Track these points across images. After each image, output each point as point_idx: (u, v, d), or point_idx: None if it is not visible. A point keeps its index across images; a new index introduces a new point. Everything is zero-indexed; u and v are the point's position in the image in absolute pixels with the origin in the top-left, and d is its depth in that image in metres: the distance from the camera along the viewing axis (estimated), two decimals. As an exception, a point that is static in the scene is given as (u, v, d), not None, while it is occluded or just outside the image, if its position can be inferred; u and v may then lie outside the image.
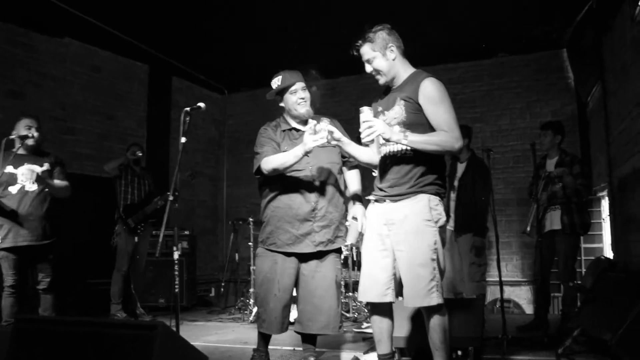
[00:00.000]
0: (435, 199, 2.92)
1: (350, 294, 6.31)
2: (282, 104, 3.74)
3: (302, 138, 3.34)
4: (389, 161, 3.04)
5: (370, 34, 3.09)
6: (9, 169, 4.48)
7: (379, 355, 3.18)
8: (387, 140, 2.93)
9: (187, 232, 7.40)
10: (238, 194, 9.18)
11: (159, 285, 6.91)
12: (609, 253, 6.67)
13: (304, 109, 3.65)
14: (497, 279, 4.59)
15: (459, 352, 3.75)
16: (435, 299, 2.84)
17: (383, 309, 3.10)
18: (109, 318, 5.64)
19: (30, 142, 4.53)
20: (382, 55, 3.08)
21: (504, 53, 8.09)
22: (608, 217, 6.74)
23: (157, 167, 7.51)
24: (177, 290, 3.26)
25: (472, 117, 8.27)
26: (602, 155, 6.75)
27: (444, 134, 2.83)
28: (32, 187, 4.49)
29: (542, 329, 4.51)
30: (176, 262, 3.27)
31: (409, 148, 2.90)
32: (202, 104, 3.62)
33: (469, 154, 5.76)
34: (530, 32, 7.25)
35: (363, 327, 5.39)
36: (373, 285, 3.01)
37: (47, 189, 4.54)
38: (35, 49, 6.70)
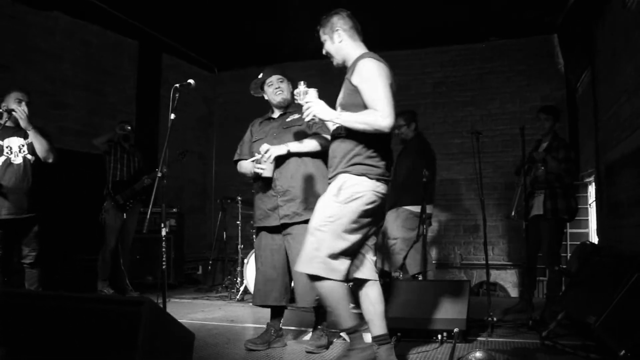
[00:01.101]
0: (353, 179, 2.90)
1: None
2: (266, 97, 4.06)
3: (272, 124, 3.95)
4: (332, 143, 3.11)
5: (322, 19, 3.20)
6: (4, 141, 4.47)
7: (373, 337, 3.10)
8: (323, 120, 3.08)
9: (175, 210, 7.38)
10: (227, 172, 9.14)
11: (146, 262, 6.91)
12: (594, 238, 6.75)
13: (279, 97, 3.95)
14: (484, 262, 4.63)
15: (444, 334, 3.79)
16: (314, 269, 2.86)
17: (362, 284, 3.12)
18: (95, 294, 5.64)
19: (21, 121, 4.46)
20: (329, 39, 3.17)
21: (495, 37, 8.08)
22: (594, 203, 6.80)
23: (147, 144, 7.45)
24: (164, 267, 3.25)
25: (462, 101, 8.29)
26: (590, 140, 6.80)
27: (373, 112, 2.84)
28: (17, 159, 4.46)
29: (527, 312, 4.56)
30: (164, 239, 3.27)
31: (342, 129, 2.97)
32: (191, 81, 3.60)
33: (414, 136, 5.77)
34: (521, 16, 7.24)
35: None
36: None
37: (30, 160, 4.50)
38: (23, 22, 6.58)
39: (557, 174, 5.02)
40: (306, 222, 3.54)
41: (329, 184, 3.05)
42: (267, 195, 3.83)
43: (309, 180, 3.75)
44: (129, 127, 6.21)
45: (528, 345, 3.76)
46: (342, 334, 4.09)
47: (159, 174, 3.28)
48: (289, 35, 7.91)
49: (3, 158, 4.45)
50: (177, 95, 3.46)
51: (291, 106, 3.96)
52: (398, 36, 8.00)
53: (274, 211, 3.78)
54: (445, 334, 3.80)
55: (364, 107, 2.90)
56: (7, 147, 4.46)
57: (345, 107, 3.00)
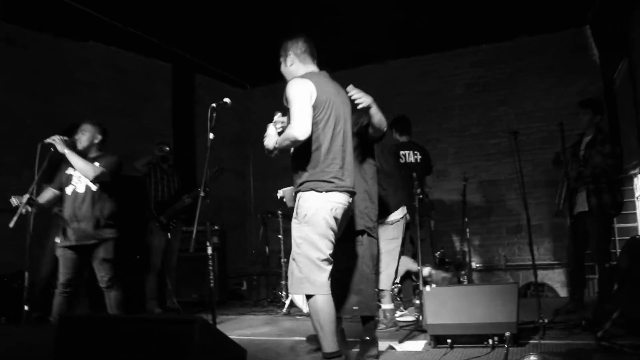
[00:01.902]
0: (305, 195, 3.13)
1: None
2: None
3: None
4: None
5: (283, 43, 3.43)
6: (69, 170, 4.60)
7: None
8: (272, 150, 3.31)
9: (216, 227, 7.47)
10: (265, 187, 9.23)
11: (191, 280, 7.00)
12: (643, 232, 6.56)
13: None
14: (529, 262, 4.55)
15: (495, 338, 3.73)
16: (304, 289, 3.08)
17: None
18: (146, 314, 5.72)
19: (57, 147, 4.54)
20: (283, 62, 3.43)
21: (525, 34, 7.97)
22: (641, 196, 6.62)
23: (184, 164, 7.59)
24: (212, 285, 3.30)
25: (496, 100, 8.20)
26: (632, 132, 6.63)
27: (288, 127, 3.09)
28: (81, 187, 4.56)
29: (579, 312, 4.45)
30: (210, 257, 3.32)
31: (290, 154, 3.22)
32: (227, 100, 3.69)
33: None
34: (551, 10, 7.13)
35: (397, 316, 5.39)
36: None
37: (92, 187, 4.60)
38: (62, 54, 6.81)
39: (603, 169, 4.88)
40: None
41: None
42: None
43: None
44: (167, 148, 6.35)
45: (583, 347, 3.66)
46: (392, 343, 4.08)
47: (202, 193, 3.33)
48: (316, 47, 7.96)
49: (72, 187, 4.57)
50: (214, 114, 3.53)
51: None
52: (426, 40, 7.99)
53: None
54: (496, 338, 3.73)
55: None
56: (76, 177, 4.58)
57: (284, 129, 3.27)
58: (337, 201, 3.16)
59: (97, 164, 4.58)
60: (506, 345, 3.59)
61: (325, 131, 3.17)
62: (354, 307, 3.62)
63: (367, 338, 3.75)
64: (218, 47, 7.79)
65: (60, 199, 4.67)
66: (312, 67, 3.39)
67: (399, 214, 4.95)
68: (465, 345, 3.82)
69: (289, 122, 3.17)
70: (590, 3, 6.87)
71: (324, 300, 3.06)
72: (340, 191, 3.17)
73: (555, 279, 7.60)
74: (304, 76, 3.24)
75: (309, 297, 3.09)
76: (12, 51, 6.42)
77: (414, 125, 6.17)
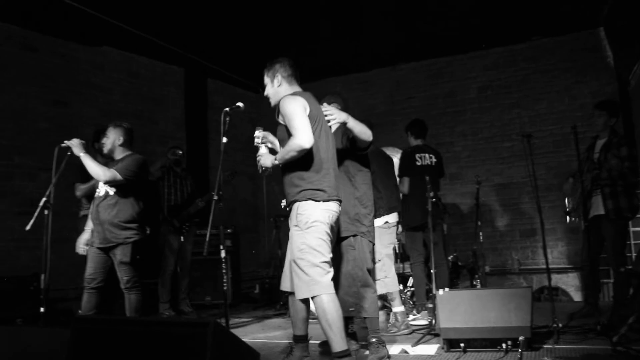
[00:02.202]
0: (304, 205, 3.33)
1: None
2: None
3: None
4: (282, 175, 3.53)
5: (268, 64, 3.59)
6: None
7: (294, 336, 3.58)
8: (269, 168, 3.50)
9: (229, 231, 7.49)
10: (277, 190, 9.26)
11: (204, 284, 7.03)
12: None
13: None
14: (543, 266, 4.51)
15: (509, 342, 3.71)
16: (312, 291, 3.23)
17: (292, 296, 3.48)
18: (160, 317, 5.75)
19: (102, 148, 4.65)
20: (270, 82, 3.58)
21: (538, 36, 7.94)
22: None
23: (197, 168, 7.63)
24: (225, 287, 3.31)
25: (509, 103, 8.17)
26: (647, 134, 6.58)
27: (292, 138, 3.27)
28: (101, 192, 4.60)
29: (594, 317, 4.41)
30: (223, 260, 3.33)
31: (283, 166, 3.41)
32: (240, 104, 3.71)
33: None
34: (564, 12, 7.10)
35: (409, 319, 5.38)
36: (285, 277, 3.54)
37: (109, 192, 4.62)
38: (75, 59, 6.90)
39: (620, 172, 4.82)
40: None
41: (289, 210, 3.48)
42: None
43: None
44: (180, 152, 6.39)
45: (598, 352, 3.63)
46: (404, 347, 4.07)
47: (215, 197, 3.34)
48: (328, 51, 8.00)
49: (97, 191, 4.64)
50: (227, 119, 3.55)
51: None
52: (438, 43, 7.98)
53: None
54: (509, 342, 3.72)
55: (289, 136, 3.34)
56: (101, 182, 4.62)
57: (281, 142, 3.50)
58: (332, 209, 3.39)
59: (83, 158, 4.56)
60: (520, 350, 3.58)
61: (320, 143, 3.39)
62: (350, 309, 3.76)
63: (373, 340, 3.80)
64: (230, 52, 7.84)
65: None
66: (297, 88, 3.58)
67: (394, 218, 5.11)
68: (478, 350, 3.81)
69: (284, 136, 3.39)
70: (604, 4, 6.82)
71: (330, 299, 3.22)
72: (334, 200, 3.40)
73: (570, 283, 7.54)
74: (295, 94, 3.47)
75: (315, 299, 3.25)
76: (29, 57, 6.52)
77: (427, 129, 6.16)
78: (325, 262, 3.30)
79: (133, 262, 4.59)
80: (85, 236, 4.69)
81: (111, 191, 4.58)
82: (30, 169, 6.39)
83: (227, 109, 3.60)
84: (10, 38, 6.41)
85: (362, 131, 3.72)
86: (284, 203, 4.26)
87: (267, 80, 3.60)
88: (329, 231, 3.36)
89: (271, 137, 3.68)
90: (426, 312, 5.32)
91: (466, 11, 6.96)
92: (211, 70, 8.46)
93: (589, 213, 4.95)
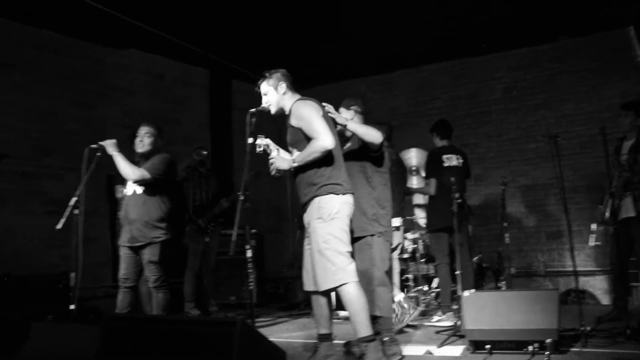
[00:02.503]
0: (325, 198, 3.47)
1: (419, 287, 6.28)
2: None
3: None
4: (293, 177, 3.71)
5: (268, 73, 3.76)
6: None
7: (318, 335, 3.70)
8: (285, 170, 3.63)
9: (254, 231, 7.53)
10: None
11: (229, 283, 7.08)
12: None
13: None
14: (570, 269, 4.46)
15: (536, 345, 3.67)
16: (339, 280, 3.37)
17: (315, 295, 3.61)
18: (189, 316, 5.79)
19: (137, 148, 4.70)
20: (274, 90, 3.73)
21: (564, 36, 7.84)
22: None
23: (222, 169, 7.68)
24: (251, 287, 3.34)
25: (534, 104, 8.09)
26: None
27: (314, 141, 3.45)
28: (130, 191, 4.66)
29: (623, 320, 4.34)
30: (249, 260, 3.35)
31: (295, 166, 3.55)
32: (266, 105, 3.72)
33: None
34: (592, 12, 7.00)
35: (434, 320, 5.36)
36: (308, 277, 3.63)
37: (138, 191, 4.66)
38: (102, 62, 7.03)
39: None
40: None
41: (304, 208, 3.62)
42: None
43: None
44: (205, 153, 6.44)
45: (628, 356, 3.58)
46: (429, 348, 4.06)
47: (242, 197, 3.37)
48: (351, 52, 8.01)
49: (125, 190, 4.71)
50: (253, 119, 3.58)
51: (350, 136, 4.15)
52: (463, 44, 7.93)
53: None
54: (536, 345, 3.68)
55: (306, 140, 3.51)
56: (130, 181, 4.68)
57: (293, 144, 3.67)
58: (350, 202, 3.57)
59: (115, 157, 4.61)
60: (547, 352, 3.54)
61: (336, 144, 3.56)
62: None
63: (386, 338, 3.81)
64: (255, 53, 7.87)
65: None
66: (298, 95, 3.77)
67: (398, 222, 5.25)
68: (504, 352, 3.78)
69: (298, 138, 3.57)
70: (634, 3, 6.71)
71: (356, 287, 3.40)
72: (350, 193, 3.58)
73: (597, 286, 7.42)
74: (304, 98, 3.69)
75: (341, 286, 3.39)
76: (58, 60, 6.66)
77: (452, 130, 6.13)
78: (349, 251, 3.47)
79: (161, 261, 4.64)
80: None
81: (139, 190, 4.63)
82: (58, 169, 6.50)
83: (253, 110, 3.63)
84: (41, 42, 6.55)
85: (366, 133, 3.82)
86: None
87: (267, 88, 3.75)
88: (349, 223, 3.55)
89: (272, 145, 3.81)
90: (451, 313, 5.30)
91: (491, 11, 6.90)
92: (236, 71, 8.50)
93: (618, 215, 4.88)
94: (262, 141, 3.73)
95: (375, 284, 3.83)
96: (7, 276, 5.69)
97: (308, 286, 3.65)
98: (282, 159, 3.65)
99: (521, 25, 7.35)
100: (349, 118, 4.06)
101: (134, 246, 4.59)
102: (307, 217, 3.62)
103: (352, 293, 3.38)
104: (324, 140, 3.41)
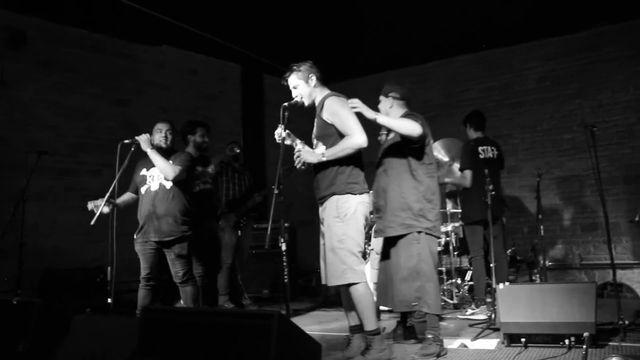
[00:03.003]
0: (343, 197, 3.56)
1: (453, 280, 6.26)
2: None
3: None
4: (314, 170, 3.77)
5: (297, 65, 3.81)
6: (143, 171, 4.76)
7: (350, 327, 3.81)
8: (311, 164, 3.69)
9: (287, 224, 7.57)
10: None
11: (262, 277, 7.16)
12: None
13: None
14: (606, 261, 4.39)
15: (572, 339, 3.64)
16: (348, 279, 3.49)
17: (344, 287, 3.65)
18: (227, 309, 5.87)
19: (162, 144, 4.73)
20: (304, 82, 3.78)
21: (600, 23, 7.66)
22: None
23: (254, 163, 7.75)
24: (286, 280, 3.38)
25: (569, 93, 7.93)
26: None
27: (349, 137, 3.51)
28: (155, 186, 4.72)
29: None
30: (284, 253, 3.39)
31: (324, 160, 3.59)
32: (298, 99, 3.75)
33: None
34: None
35: (467, 313, 5.34)
36: (324, 271, 3.72)
37: (166, 186, 4.72)
38: (137, 59, 7.16)
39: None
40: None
41: (322, 204, 3.72)
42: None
43: (387, 200, 3.91)
44: (238, 150, 6.49)
45: (668, 350, 3.53)
46: (464, 341, 4.05)
47: (276, 191, 3.41)
48: (383, 45, 7.98)
49: (146, 186, 4.74)
50: (286, 113, 3.61)
51: None
52: (495, 34, 7.84)
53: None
54: (573, 338, 3.65)
55: (338, 135, 3.58)
56: (150, 176, 4.75)
57: (320, 138, 3.73)
58: (366, 201, 3.65)
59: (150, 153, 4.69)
60: (585, 346, 3.50)
61: None
62: (413, 304, 3.75)
63: (430, 336, 3.74)
64: (286, 47, 7.90)
65: (137, 201, 4.83)
66: (326, 89, 3.83)
67: None
68: (540, 345, 3.75)
69: (328, 132, 3.64)
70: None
71: (365, 287, 3.53)
72: (366, 192, 3.66)
73: (635, 279, 7.28)
74: (338, 94, 3.71)
75: (350, 285, 3.51)
76: (96, 58, 6.83)
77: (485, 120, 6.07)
78: (361, 252, 3.57)
79: (189, 255, 4.74)
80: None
81: (168, 185, 4.70)
82: (95, 165, 6.66)
83: (286, 103, 3.67)
84: (78, 42, 6.71)
85: (399, 126, 3.73)
86: None
87: (297, 81, 3.78)
88: (364, 222, 3.62)
89: (296, 141, 3.89)
90: (485, 306, 5.27)
91: (523, 0, 6.80)
92: (267, 66, 8.56)
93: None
94: (282, 133, 3.74)
95: (423, 280, 3.73)
96: (48, 270, 5.88)
97: (325, 279, 3.75)
98: (310, 152, 3.69)
99: (555, 14, 7.21)
100: (388, 106, 4.03)
101: (163, 241, 4.63)
102: (323, 213, 3.72)
103: (361, 292, 3.51)
104: (358, 138, 3.47)
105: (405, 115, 3.91)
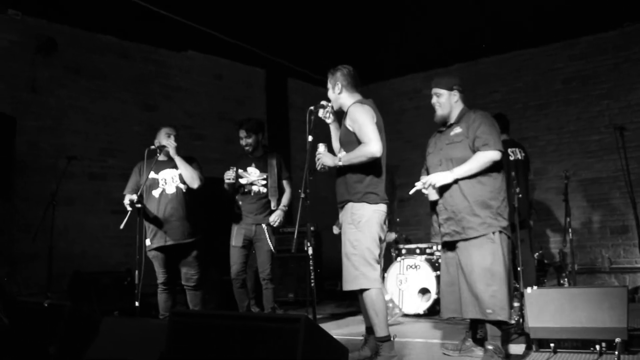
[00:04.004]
0: (357, 205, 3.63)
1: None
2: None
3: (440, 137, 3.97)
4: (336, 175, 3.84)
5: (331, 71, 3.89)
6: (152, 174, 4.82)
7: (366, 328, 3.85)
8: (330, 167, 3.75)
9: (312, 228, 7.57)
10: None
11: (287, 280, 7.17)
12: None
13: (436, 113, 3.97)
14: (638, 265, 4.31)
15: (603, 344, 3.57)
16: (360, 284, 3.57)
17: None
18: (255, 312, 5.90)
19: (170, 150, 4.79)
20: (332, 88, 3.86)
21: (630, 22, 7.53)
22: None
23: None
24: (312, 284, 3.39)
25: (597, 94, 7.82)
26: None
27: (363, 145, 3.55)
28: (171, 189, 4.80)
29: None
30: (310, 257, 3.40)
31: (339, 165, 3.67)
32: (324, 102, 3.79)
33: None
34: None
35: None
36: None
37: (182, 189, 4.80)
38: (164, 64, 7.26)
39: None
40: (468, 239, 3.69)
41: (341, 209, 3.80)
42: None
43: (465, 200, 3.69)
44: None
45: None
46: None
47: (302, 195, 3.42)
48: (407, 48, 7.96)
49: (159, 190, 4.81)
50: (312, 117, 3.63)
51: (456, 120, 3.85)
52: (521, 35, 7.76)
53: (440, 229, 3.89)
54: (604, 344, 3.58)
55: (357, 142, 3.61)
56: (162, 180, 4.84)
57: (343, 144, 3.79)
58: (382, 210, 3.68)
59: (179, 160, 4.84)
60: (617, 352, 3.43)
61: (383, 151, 3.61)
62: (487, 311, 3.52)
63: (490, 347, 3.57)
64: (310, 50, 7.94)
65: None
66: (358, 95, 3.83)
67: None
68: (569, 350, 3.69)
69: (350, 139, 3.66)
70: None
71: (377, 293, 3.58)
72: (384, 202, 3.70)
73: (667, 284, 7.14)
74: (362, 102, 3.74)
75: (363, 291, 3.58)
76: (124, 64, 6.94)
77: (509, 123, 6.00)
78: (375, 259, 3.61)
79: (204, 258, 4.90)
80: None
81: (184, 189, 4.79)
82: (123, 169, 6.74)
83: (312, 107, 3.70)
84: (106, 48, 6.83)
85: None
86: (336, 230, 4.58)
87: (329, 85, 3.88)
88: (379, 230, 3.66)
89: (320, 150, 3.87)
90: (512, 310, 5.19)
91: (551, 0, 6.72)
92: (292, 70, 8.60)
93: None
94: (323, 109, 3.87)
95: (499, 283, 3.53)
96: (77, 273, 5.97)
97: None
98: (328, 156, 3.75)
99: (583, 13, 7.11)
100: (454, 100, 3.86)
101: (181, 243, 4.72)
102: (341, 218, 3.84)
103: (372, 298, 3.58)
104: (372, 147, 3.51)
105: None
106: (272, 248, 5.30)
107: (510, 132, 5.86)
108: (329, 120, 3.91)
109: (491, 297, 3.51)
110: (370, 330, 3.78)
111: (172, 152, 4.72)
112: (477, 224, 3.61)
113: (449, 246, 3.82)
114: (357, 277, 3.57)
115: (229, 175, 5.03)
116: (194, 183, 4.75)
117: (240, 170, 5.28)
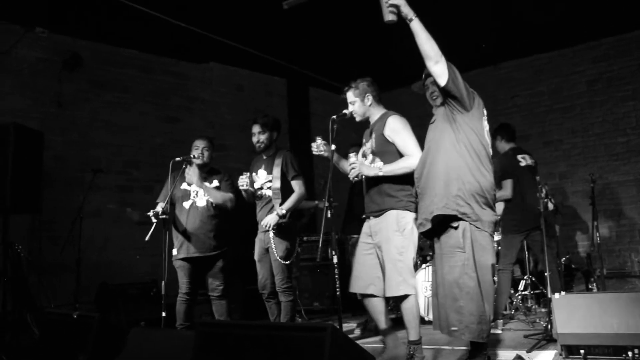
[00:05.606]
0: (402, 213, 3.73)
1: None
2: None
3: None
4: (366, 184, 3.95)
5: (354, 83, 3.98)
6: (184, 185, 4.85)
7: (381, 331, 3.96)
8: (367, 176, 3.82)
9: (336, 237, 7.56)
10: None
11: (312, 289, 7.17)
12: None
13: None
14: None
15: (636, 351, 3.50)
16: (402, 291, 3.64)
17: (365, 298, 3.91)
18: (281, 322, 5.90)
19: (196, 161, 4.80)
20: (360, 100, 3.94)
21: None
22: None
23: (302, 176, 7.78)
24: (338, 293, 3.38)
25: (622, 96, 7.71)
26: None
27: (408, 157, 3.68)
28: (201, 202, 4.82)
29: None
30: (335, 265, 3.40)
31: (379, 175, 3.73)
32: (346, 111, 3.81)
33: None
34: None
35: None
36: (357, 280, 3.96)
37: (212, 202, 4.82)
38: (185, 76, 7.35)
39: None
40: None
41: (377, 217, 3.83)
42: None
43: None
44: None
45: None
46: (519, 352, 3.96)
47: (326, 204, 3.42)
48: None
49: (190, 202, 4.83)
50: (335, 126, 3.64)
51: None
52: (542, 38, 7.69)
53: None
54: (636, 351, 3.51)
55: (397, 152, 3.74)
56: (194, 192, 4.85)
57: (378, 154, 3.82)
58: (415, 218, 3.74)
59: (215, 182, 4.89)
60: (648, 358, 3.37)
61: None
62: (452, 328, 3.28)
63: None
64: (330, 59, 7.95)
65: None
66: (381, 106, 4.00)
67: None
68: (600, 357, 3.63)
69: (387, 149, 3.75)
70: None
71: (414, 299, 3.71)
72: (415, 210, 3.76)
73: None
74: (398, 114, 3.89)
75: (404, 297, 3.66)
76: (146, 77, 7.04)
77: (532, 127, 5.96)
78: (413, 265, 3.76)
79: (229, 269, 4.92)
80: None
81: (213, 202, 4.81)
82: (147, 181, 6.83)
83: (335, 116, 3.71)
84: (131, 62, 6.95)
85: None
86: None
87: (354, 98, 3.94)
88: (417, 237, 3.79)
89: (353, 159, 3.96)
90: (501, 321, 5.13)
91: (572, 2, 6.64)
92: (312, 79, 8.63)
93: None
94: (321, 144, 4.07)
95: (464, 298, 3.35)
96: (104, 284, 6.04)
97: (353, 288, 3.94)
98: (366, 166, 3.81)
99: (605, 13, 7.02)
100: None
101: (208, 255, 4.75)
102: (376, 226, 3.83)
103: (411, 303, 3.69)
104: (416, 160, 3.61)
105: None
106: (278, 257, 4.68)
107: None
108: (327, 154, 4.00)
109: (456, 312, 3.25)
110: (385, 332, 3.89)
111: (195, 183, 4.71)
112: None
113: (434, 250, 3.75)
114: (401, 284, 3.64)
115: (242, 182, 4.77)
116: (227, 205, 4.80)
117: (253, 174, 5.01)
